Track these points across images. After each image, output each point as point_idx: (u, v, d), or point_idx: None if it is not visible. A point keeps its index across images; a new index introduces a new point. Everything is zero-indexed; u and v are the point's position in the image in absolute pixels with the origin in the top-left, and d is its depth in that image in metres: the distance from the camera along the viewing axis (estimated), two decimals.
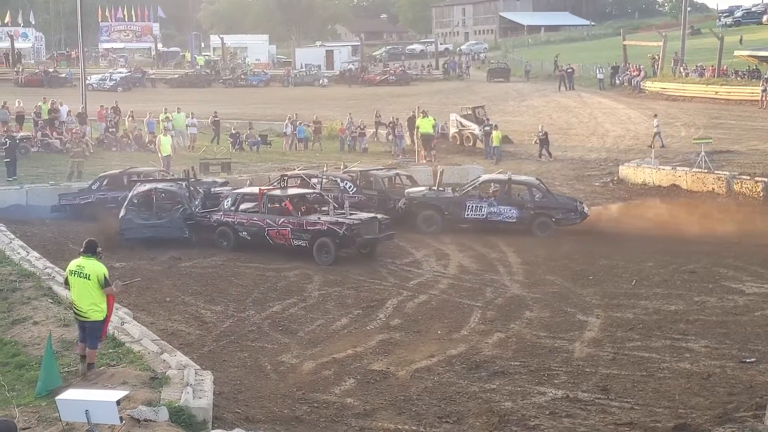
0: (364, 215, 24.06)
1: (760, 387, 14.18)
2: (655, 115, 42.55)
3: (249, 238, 24.11)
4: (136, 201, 25.27)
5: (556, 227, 26.50)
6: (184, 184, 26.21)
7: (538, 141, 40.20)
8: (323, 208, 24.51)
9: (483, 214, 26.80)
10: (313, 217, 23.67)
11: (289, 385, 14.59)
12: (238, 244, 24.20)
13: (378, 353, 16.17)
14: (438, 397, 14.02)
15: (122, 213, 24.93)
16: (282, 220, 23.70)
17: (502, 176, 28.17)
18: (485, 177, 29.03)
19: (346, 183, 27.71)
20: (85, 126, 41.07)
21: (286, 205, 24.06)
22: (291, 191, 25.27)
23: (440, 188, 27.91)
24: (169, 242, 24.42)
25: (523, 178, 28.68)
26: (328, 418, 13.19)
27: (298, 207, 24.24)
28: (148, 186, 26.00)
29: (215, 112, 45.38)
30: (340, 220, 23.22)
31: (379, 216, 24.24)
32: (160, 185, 26.24)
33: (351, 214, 23.90)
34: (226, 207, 24.88)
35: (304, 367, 15.42)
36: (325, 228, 23.07)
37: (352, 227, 22.95)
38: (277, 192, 24.93)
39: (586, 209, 27.14)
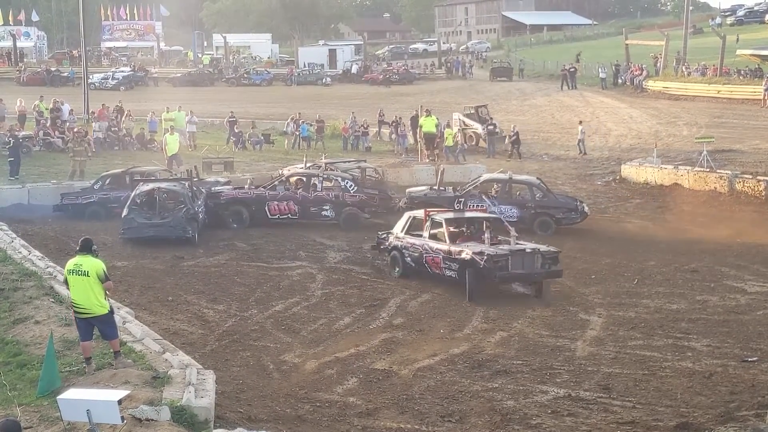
0: (523, 246, 20.30)
1: (762, 386, 14.17)
2: (580, 122, 42.34)
3: (412, 264, 21.49)
4: (138, 200, 25.13)
5: (556, 226, 26.47)
6: (186, 183, 26.07)
7: (509, 141, 40.22)
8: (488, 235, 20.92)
9: None
10: (462, 245, 20.46)
11: (292, 384, 14.59)
12: (405, 270, 21.61)
13: (381, 352, 16.17)
14: (440, 396, 14.03)
15: (125, 212, 24.74)
16: (438, 246, 20.86)
17: (502, 175, 28.16)
18: (486, 176, 29.00)
19: (347, 182, 27.59)
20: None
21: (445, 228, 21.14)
22: (450, 214, 22.25)
23: (441, 187, 27.87)
24: (172, 241, 24.42)
25: (523, 177, 28.66)
26: (331, 418, 13.19)
27: (456, 231, 21.26)
28: (150, 185, 25.82)
29: (231, 112, 45.21)
30: (484, 249, 19.82)
31: (543, 248, 20.31)
32: (162, 185, 26.01)
33: (517, 242, 20.41)
34: (398, 229, 22.42)
35: (307, 367, 15.43)
36: (468, 258, 19.78)
37: (496, 259, 19.51)
38: (444, 215, 21.74)
39: (586, 209, 27.13)
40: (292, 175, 28.25)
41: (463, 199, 26.60)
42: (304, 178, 27.69)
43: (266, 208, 26.87)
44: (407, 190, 28.16)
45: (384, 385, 14.58)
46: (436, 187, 27.91)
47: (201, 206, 25.69)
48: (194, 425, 11.09)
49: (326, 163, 29.92)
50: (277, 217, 26.94)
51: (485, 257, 19.44)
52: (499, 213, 26.48)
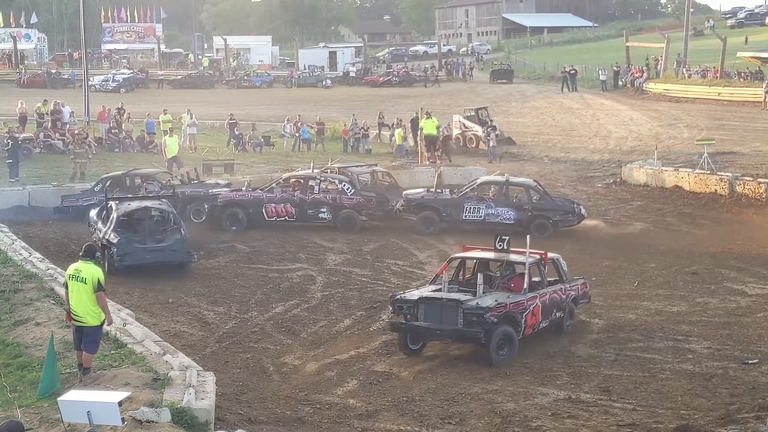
0: (440, 294, 16.56)
1: (762, 388, 14.17)
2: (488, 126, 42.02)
3: None
4: (123, 223, 22.16)
5: (553, 229, 26.38)
6: (167, 201, 23.58)
7: (438, 142, 39.90)
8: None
9: (481, 216, 26.68)
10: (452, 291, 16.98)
11: (292, 386, 14.61)
12: None
13: (381, 354, 16.18)
14: (441, 399, 14.04)
15: (114, 237, 21.60)
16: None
17: (499, 178, 28.12)
18: (483, 178, 28.93)
19: (344, 184, 27.51)
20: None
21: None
22: (464, 253, 18.69)
23: (438, 189, 27.82)
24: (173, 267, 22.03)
25: (520, 179, 28.61)
26: (331, 420, 13.21)
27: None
28: (133, 205, 22.88)
29: (231, 115, 45.23)
30: (409, 294, 17.01)
31: (470, 302, 15.97)
32: (146, 203, 23.17)
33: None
34: None
35: (307, 369, 15.44)
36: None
37: (400, 304, 16.51)
38: (460, 253, 18.81)
39: (583, 211, 27.08)
40: (289, 177, 28.27)
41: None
42: (301, 180, 27.68)
43: (263, 210, 26.86)
44: (404, 193, 28.00)
45: (384, 387, 14.59)
46: (433, 190, 27.82)
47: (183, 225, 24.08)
48: (194, 427, 11.11)
49: (338, 168, 29.77)
50: (274, 219, 26.91)
51: (392, 300, 16.98)
52: (496, 215, 26.59)
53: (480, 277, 16.76)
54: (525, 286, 16.68)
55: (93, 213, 24.61)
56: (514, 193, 27.45)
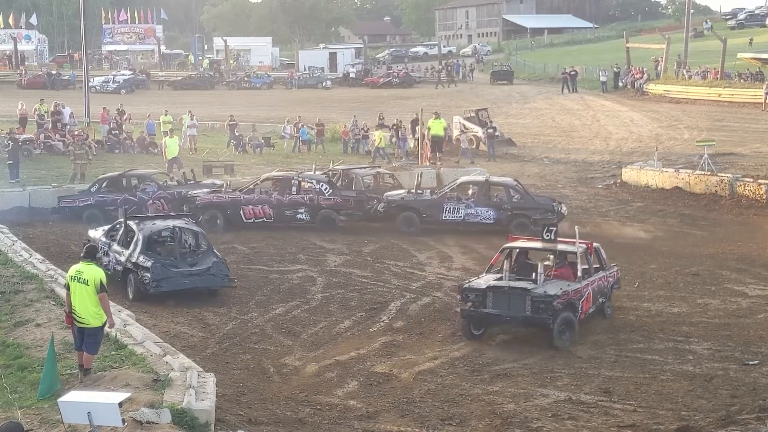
0: (507, 283, 17.38)
1: (763, 389, 14.18)
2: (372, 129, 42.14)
3: None
4: (151, 244, 20.27)
5: (534, 228, 26.20)
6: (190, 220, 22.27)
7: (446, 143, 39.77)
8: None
9: (460, 216, 26.58)
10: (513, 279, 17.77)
11: (292, 387, 14.60)
12: None
13: (381, 355, 16.17)
14: (441, 400, 14.04)
15: (143, 260, 19.55)
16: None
17: (479, 177, 28.06)
18: (463, 179, 28.83)
19: (322, 185, 27.40)
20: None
21: None
22: (515, 242, 19.27)
23: (419, 191, 27.70)
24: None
25: (500, 179, 28.54)
26: (331, 421, 13.21)
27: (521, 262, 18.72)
28: (160, 225, 20.98)
29: (231, 116, 45.25)
30: (475, 282, 17.71)
31: (538, 290, 16.83)
32: (172, 222, 21.18)
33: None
34: None
35: (307, 370, 15.43)
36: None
37: (468, 293, 17.24)
38: (511, 243, 19.09)
39: (563, 209, 27.01)
40: (267, 179, 28.25)
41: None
42: (279, 181, 27.64)
43: (241, 211, 26.82)
44: (385, 195, 27.82)
45: (384, 388, 14.59)
46: (413, 191, 27.68)
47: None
48: (195, 428, 11.11)
49: (342, 170, 29.74)
50: (252, 220, 26.85)
51: (461, 289, 17.55)
52: (475, 215, 26.56)
53: (540, 266, 17.44)
54: (579, 274, 17.55)
55: (96, 233, 22.20)
56: (495, 192, 27.37)
